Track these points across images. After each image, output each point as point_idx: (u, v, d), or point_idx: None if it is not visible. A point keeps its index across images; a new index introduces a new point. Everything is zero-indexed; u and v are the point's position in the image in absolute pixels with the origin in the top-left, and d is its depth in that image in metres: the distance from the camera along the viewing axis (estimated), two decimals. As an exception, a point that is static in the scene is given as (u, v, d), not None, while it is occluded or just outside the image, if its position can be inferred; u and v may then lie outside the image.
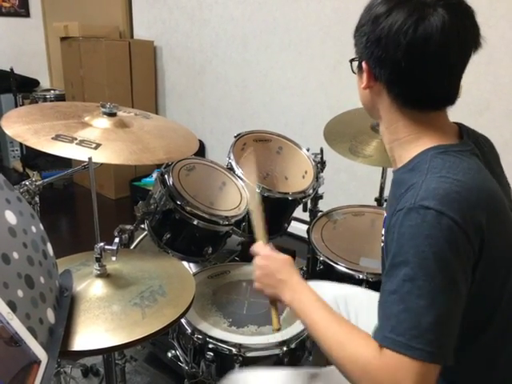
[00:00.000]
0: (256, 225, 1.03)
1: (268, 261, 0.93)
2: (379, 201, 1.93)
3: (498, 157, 0.91)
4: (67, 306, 0.86)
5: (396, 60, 0.75)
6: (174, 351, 1.25)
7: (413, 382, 0.65)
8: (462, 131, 0.84)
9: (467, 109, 2.10)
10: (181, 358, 1.22)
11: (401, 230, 0.71)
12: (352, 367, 0.71)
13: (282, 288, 0.88)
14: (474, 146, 0.82)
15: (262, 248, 0.96)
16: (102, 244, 0.97)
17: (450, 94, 0.81)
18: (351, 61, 0.86)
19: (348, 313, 1.22)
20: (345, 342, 0.74)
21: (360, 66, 0.84)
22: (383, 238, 0.89)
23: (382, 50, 0.76)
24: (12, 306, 0.66)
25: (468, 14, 0.77)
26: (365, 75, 0.82)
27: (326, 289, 1.33)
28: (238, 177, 1.59)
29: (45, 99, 3.84)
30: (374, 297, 1.21)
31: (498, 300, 0.77)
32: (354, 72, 0.88)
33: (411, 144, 0.82)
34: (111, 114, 1.19)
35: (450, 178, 0.72)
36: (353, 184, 2.62)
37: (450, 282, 0.68)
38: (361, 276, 1.40)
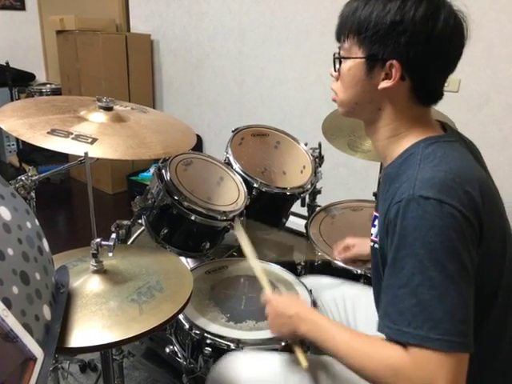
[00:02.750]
0: (260, 279, 1.14)
1: (274, 303, 0.97)
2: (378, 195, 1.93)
3: (483, 161, 0.92)
4: (63, 302, 0.85)
5: (442, 58, 0.77)
6: (172, 346, 1.24)
7: (444, 374, 0.66)
8: (445, 125, 0.87)
9: (466, 103, 2.09)
10: (179, 354, 1.22)
11: (403, 223, 0.71)
12: (384, 373, 0.71)
13: (295, 322, 0.90)
14: (459, 137, 0.86)
15: (268, 296, 1.03)
16: (98, 240, 0.96)
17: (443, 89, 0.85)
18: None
19: (346, 310, 1.22)
20: (370, 352, 0.74)
21: (373, 65, 0.80)
22: (373, 237, 0.89)
23: (430, 48, 0.76)
24: (7, 302, 0.65)
25: None
26: (395, 74, 0.78)
27: (324, 285, 1.33)
28: (236, 171, 1.58)
29: (41, 93, 3.81)
30: (370, 292, 1.21)
31: (496, 284, 0.78)
32: (335, 70, 0.86)
33: (404, 139, 0.83)
34: (107, 108, 1.17)
35: (443, 166, 0.74)
36: (351, 179, 2.61)
37: (460, 268, 0.68)
38: (359, 271, 1.40)
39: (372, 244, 0.90)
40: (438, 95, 0.83)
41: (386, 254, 0.77)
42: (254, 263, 1.18)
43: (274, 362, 0.98)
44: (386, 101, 0.83)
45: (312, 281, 1.37)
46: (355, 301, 1.22)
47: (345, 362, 0.78)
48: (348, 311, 1.22)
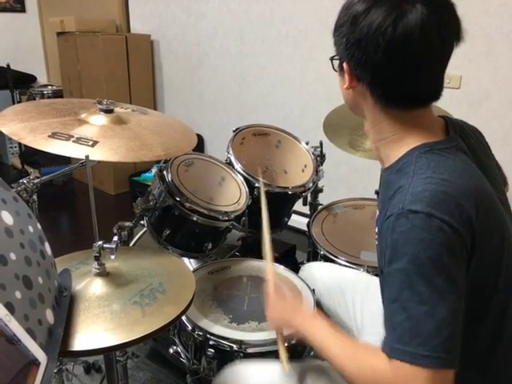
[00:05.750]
0: (268, 267, 1.12)
1: (282, 287, 1.02)
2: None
3: (486, 147, 0.91)
4: (66, 305, 0.85)
5: (377, 61, 0.74)
6: (175, 347, 1.24)
7: None
8: (448, 125, 0.83)
9: (467, 100, 2.08)
10: (182, 355, 1.22)
11: (393, 237, 0.70)
12: (365, 380, 0.72)
13: (293, 313, 0.94)
14: (461, 139, 0.81)
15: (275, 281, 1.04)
16: (100, 243, 0.96)
17: (434, 91, 0.79)
18: (331, 59, 0.84)
19: (353, 300, 1.21)
20: (355, 357, 0.75)
21: (341, 66, 0.82)
22: (377, 236, 0.89)
23: (362, 51, 0.75)
24: (10, 307, 0.65)
25: (448, 7, 0.75)
26: (346, 76, 0.80)
27: (332, 272, 1.33)
28: (237, 171, 1.58)
29: (42, 95, 3.82)
30: (374, 281, 1.21)
31: (493, 289, 0.77)
32: (335, 70, 0.86)
33: (396, 143, 0.81)
34: (108, 111, 1.18)
35: (435, 178, 0.72)
36: (353, 177, 2.61)
37: (448, 283, 0.67)
38: (361, 269, 1.40)
39: (377, 242, 0.90)
40: (415, 99, 0.78)
41: (381, 260, 0.77)
42: (266, 239, 1.14)
43: (278, 371, 0.97)
44: (360, 102, 0.83)
45: (315, 267, 1.38)
46: (362, 292, 1.22)
47: (331, 362, 0.78)
48: (356, 303, 1.22)
